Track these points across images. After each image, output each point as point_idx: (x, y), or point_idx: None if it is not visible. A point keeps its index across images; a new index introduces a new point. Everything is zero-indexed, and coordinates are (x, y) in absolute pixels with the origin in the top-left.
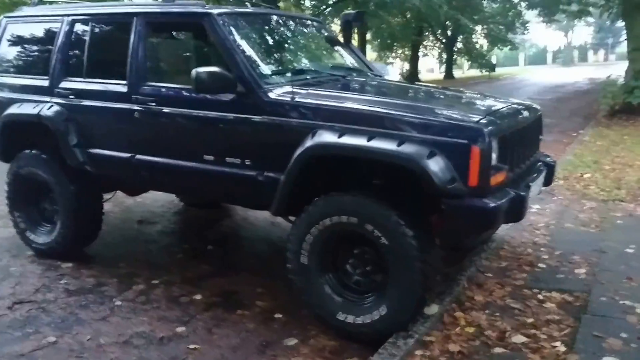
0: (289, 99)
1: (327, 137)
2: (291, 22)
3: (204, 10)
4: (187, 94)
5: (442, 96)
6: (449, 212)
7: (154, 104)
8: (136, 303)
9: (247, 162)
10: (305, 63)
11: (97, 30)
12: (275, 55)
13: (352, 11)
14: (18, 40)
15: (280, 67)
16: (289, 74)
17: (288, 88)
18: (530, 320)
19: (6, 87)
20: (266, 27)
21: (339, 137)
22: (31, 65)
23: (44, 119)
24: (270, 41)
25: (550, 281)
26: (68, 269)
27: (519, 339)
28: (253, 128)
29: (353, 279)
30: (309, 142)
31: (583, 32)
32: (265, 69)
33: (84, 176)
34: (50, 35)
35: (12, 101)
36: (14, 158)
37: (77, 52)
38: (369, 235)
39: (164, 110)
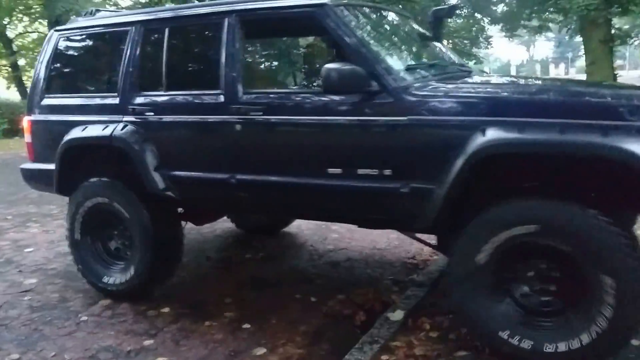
0: (441, 94)
1: (504, 133)
2: (395, 16)
3: (319, 1)
4: (304, 98)
5: (578, 84)
6: None
7: (260, 113)
8: (102, 317)
9: (387, 172)
10: (425, 58)
11: (178, 35)
12: (398, 49)
13: (444, 6)
14: (74, 55)
15: (408, 62)
16: (418, 70)
17: (433, 83)
18: None
19: (62, 109)
20: (382, 20)
21: (520, 132)
22: (93, 83)
23: (118, 141)
24: (389, 35)
25: None
26: (32, 285)
27: None
28: (395, 131)
29: (535, 300)
30: (480, 141)
31: (544, 46)
32: (397, 63)
33: (162, 203)
34: (116, 47)
35: (71, 124)
36: (76, 189)
37: (153, 62)
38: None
39: (272, 119)
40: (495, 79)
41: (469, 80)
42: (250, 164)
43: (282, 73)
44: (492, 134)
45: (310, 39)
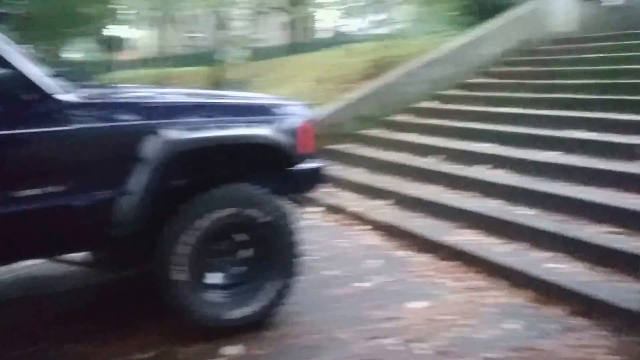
0: (111, 100)
1: (181, 133)
2: None
3: None
4: None
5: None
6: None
7: None
8: None
9: (56, 188)
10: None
11: None
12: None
13: None
14: None
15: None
16: (61, 77)
17: (87, 90)
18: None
19: None
20: None
21: (194, 131)
22: None
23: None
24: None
25: None
26: None
27: None
28: (63, 142)
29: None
30: (162, 141)
31: None
32: (45, 71)
33: None
34: None
35: None
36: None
37: None
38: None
39: None
40: (141, 87)
41: (128, 86)
42: None
43: None
44: (172, 134)
45: None
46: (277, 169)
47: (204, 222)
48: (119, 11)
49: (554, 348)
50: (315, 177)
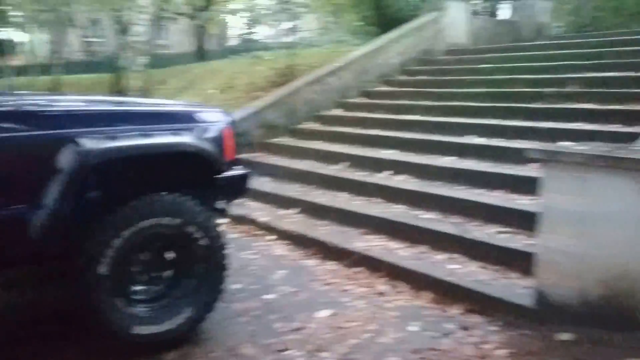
0: (14, 108)
1: (102, 143)
2: None
3: None
4: None
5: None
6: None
7: None
8: None
9: None
10: None
11: None
12: None
13: None
14: None
15: None
16: None
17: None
18: None
19: None
20: None
21: (115, 140)
22: None
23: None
24: None
25: None
26: None
27: None
28: None
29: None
30: (78, 151)
31: None
32: None
33: None
34: None
35: None
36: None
37: None
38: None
39: None
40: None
41: (33, 93)
42: None
43: None
44: (89, 144)
45: None
46: (205, 177)
47: (123, 235)
48: (9, 13)
49: (452, 347)
50: (242, 184)
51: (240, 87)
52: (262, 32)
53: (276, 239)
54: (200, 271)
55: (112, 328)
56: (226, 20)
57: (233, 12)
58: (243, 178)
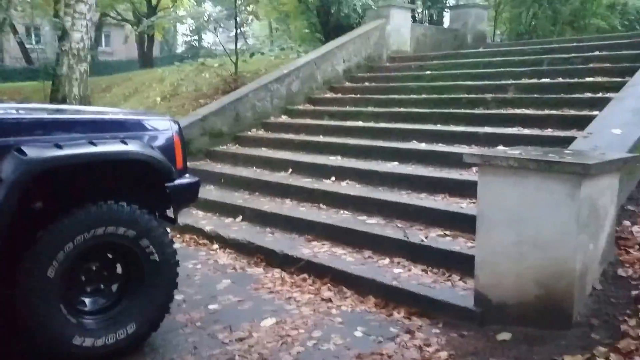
0: None
1: (46, 151)
2: None
3: None
4: None
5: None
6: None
7: None
8: None
9: None
10: None
11: None
12: None
13: None
14: None
15: None
16: None
17: None
18: None
19: None
20: None
21: (60, 148)
22: None
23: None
24: None
25: None
26: None
27: None
28: None
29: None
30: (19, 160)
31: None
32: None
33: None
34: None
35: None
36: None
37: None
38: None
39: None
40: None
41: None
42: None
43: None
44: (35, 152)
45: None
46: (155, 185)
47: (77, 240)
48: None
49: (395, 350)
50: (193, 193)
51: (185, 94)
52: (208, 39)
53: (221, 248)
54: (148, 287)
55: (52, 335)
56: (172, 27)
57: (178, 19)
58: (193, 186)
